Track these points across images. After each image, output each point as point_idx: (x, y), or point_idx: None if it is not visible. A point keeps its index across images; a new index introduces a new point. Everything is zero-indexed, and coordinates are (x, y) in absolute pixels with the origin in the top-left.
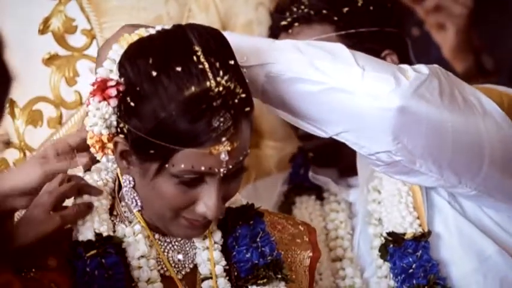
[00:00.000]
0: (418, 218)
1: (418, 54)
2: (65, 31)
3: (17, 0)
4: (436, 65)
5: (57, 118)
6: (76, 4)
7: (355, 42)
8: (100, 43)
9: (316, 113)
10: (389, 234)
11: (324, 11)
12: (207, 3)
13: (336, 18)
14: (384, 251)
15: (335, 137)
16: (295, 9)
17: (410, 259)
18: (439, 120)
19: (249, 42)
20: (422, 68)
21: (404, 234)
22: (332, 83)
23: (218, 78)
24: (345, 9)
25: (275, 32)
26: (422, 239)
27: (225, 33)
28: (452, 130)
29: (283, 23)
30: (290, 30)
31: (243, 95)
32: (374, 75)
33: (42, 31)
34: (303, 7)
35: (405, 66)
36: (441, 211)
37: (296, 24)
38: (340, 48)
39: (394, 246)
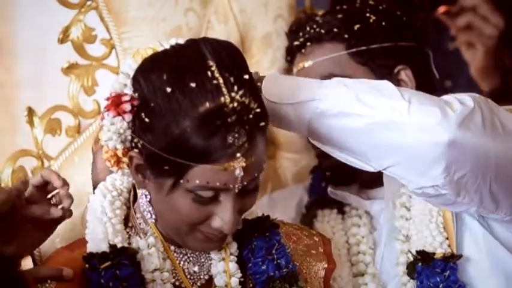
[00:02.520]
0: (447, 238)
1: (451, 69)
2: (84, 40)
3: (37, 9)
4: (476, 94)
5: (76, 127)
6: (96, 14)
7: (366, 59)
8: (119, 53)
9: (363, 147)
10: (418, 252)
11: (335, 30)
12: (226, 15)
13: (346, 36)
14: (412, 269)
15: (383, 171)
16: (308, 29)
17: (438, 279)
18: (484, 150)
19: (296, 81)
20: (467, 100)
21: (434, 253)
22: (378, 117)
23: (233, 94)
24: (356, 27)
25: (291, 52)
26: (451, 260)
27: (272, 75)
28: (495, 158)
29: (296, 42)
30: (303, 50)
31: (258, 110)
32: (420, 108)
33: (62, 40)
34: (315, 26)
35: (450, 99)
36: (472, 231)
37: (308, 43)
38: (386, 83)
39: (422, 264)
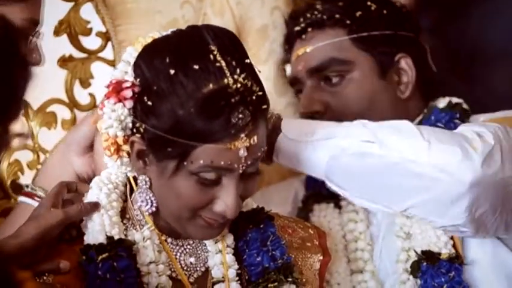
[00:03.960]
0: (452, 238)
1: None
2: (80, 33)
3: None
4: (495, 125)
5: (71, 120)
6: (91, 6)
7: (367, 46)
8: (115, 46)
9: (383, 188)
10: (424, 252)
11: (337, 15)
12: (222, 7)
13: (348, 21)
14: (416, 268)
15: (403, 213)
16: (309, 15)
17: (443, 279)
18: (503, 185)
19: (315, 121)
20: (487, 136)
21: (439, 253)
22: (398, 157)
23: (235, 76)
24: (358, 13)
25: (290, 38)
26: (457, 261)
27: (290, 118)
28: None
29: (297, 28)
30: (304, 36)
31: (260, 93)
32: (440, 147)
33: (57, 33)
34: (316, 12)
35: (469, 133)
36: None
37: (309, 29)
38: (405, 123)
39: (427, 264)
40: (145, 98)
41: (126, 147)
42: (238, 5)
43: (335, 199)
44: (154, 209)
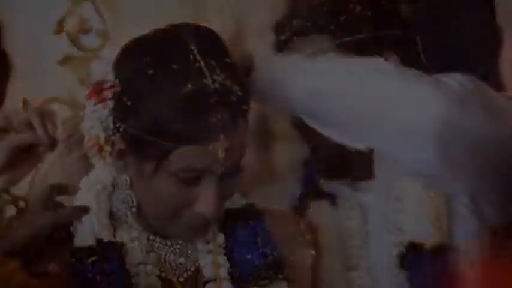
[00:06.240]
0: (439, 228)
1: None
2: (79, 31)
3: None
4: (471, 76)
5: None
6: (91, 4)
7: (353, 50)
8: (115, 44)
9: (354, 122)
10: (408, 244)
11: (321, 22)
12: (221, 5)
13: (332, 27)
14: (403, 260)
15: (368, 147)
16: (294, 23)
17: (428, 270)
18: (481, 134)
19: (292, 58)
20: (464, 81)
21: (423, 244)
22: (372, 90)
23: (215, 76)
24: (342, 18)
25: (278, 48)
26: (442, 251)
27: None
28: (492, 144)
29: (283, 37)
30: (290, 44)
31: (240, 94)
32: (417, 80)
33: (57, 31)
34: (300, 20)
35: (446, 78)
36: (464, 219)
37: (294, 37)
38: (383, 62)
39: (413, 256)
40: (124, 98)
41: (109, 148)
42: (237, 3)
43: (331, 196)
44: (134, 209)
